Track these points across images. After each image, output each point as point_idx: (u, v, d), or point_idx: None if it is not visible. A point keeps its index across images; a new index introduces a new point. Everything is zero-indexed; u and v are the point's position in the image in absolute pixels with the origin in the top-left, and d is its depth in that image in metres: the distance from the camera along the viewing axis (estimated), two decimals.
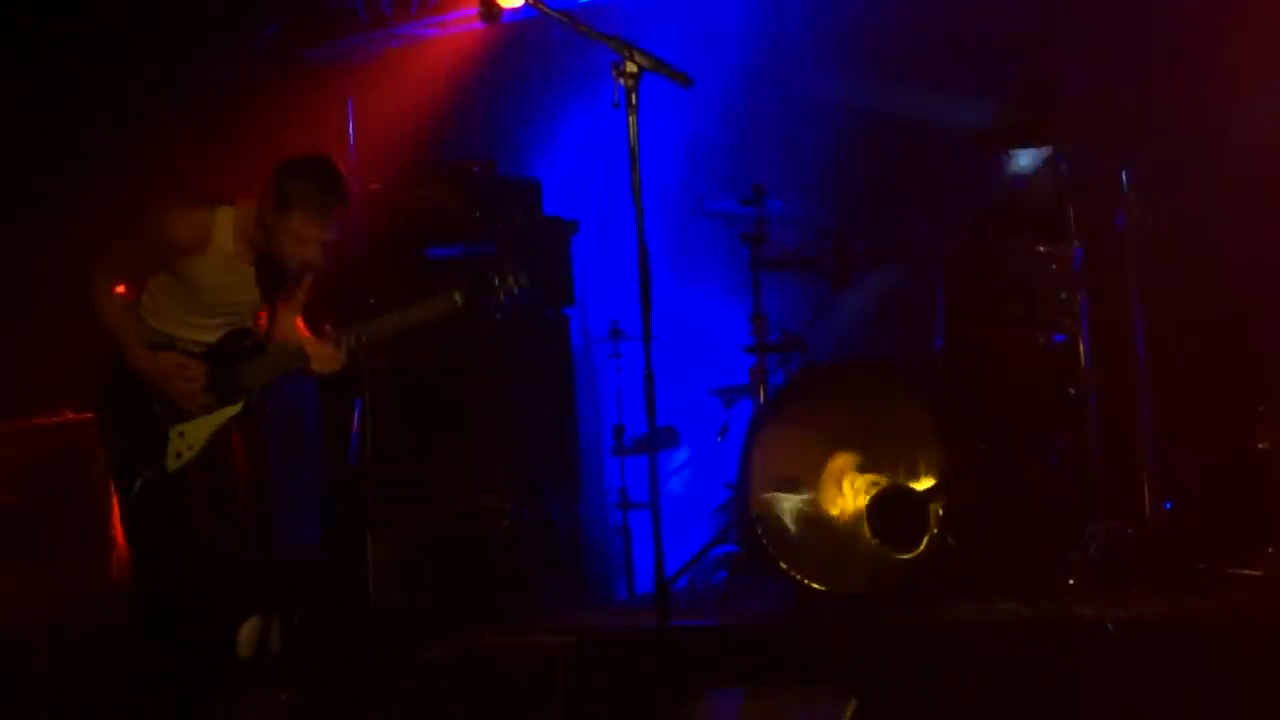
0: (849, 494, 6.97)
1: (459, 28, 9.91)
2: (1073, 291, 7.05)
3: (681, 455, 9.17)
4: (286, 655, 6.85)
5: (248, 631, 6.57)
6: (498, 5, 5.79)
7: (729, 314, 8.88)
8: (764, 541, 7.01)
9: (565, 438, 8.75)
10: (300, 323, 6.34)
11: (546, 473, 8.43)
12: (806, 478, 7.05)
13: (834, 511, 6.99)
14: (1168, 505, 7.07)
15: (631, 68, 5.36)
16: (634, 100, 5.36)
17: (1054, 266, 7.17)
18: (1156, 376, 7.18)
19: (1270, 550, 6.61)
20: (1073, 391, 7.02)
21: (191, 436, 5.98)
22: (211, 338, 6.06)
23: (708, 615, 7.13)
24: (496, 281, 6.29)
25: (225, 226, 5.93)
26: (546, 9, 5.73)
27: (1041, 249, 7.23)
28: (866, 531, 6.93)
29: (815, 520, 7.00)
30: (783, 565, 6.97)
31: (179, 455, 5.96)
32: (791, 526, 7.03)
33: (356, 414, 8.31)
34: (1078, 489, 7.10)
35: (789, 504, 7.05)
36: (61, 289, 6.86)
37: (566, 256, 8.80)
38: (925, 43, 8.88)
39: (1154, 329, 7.19)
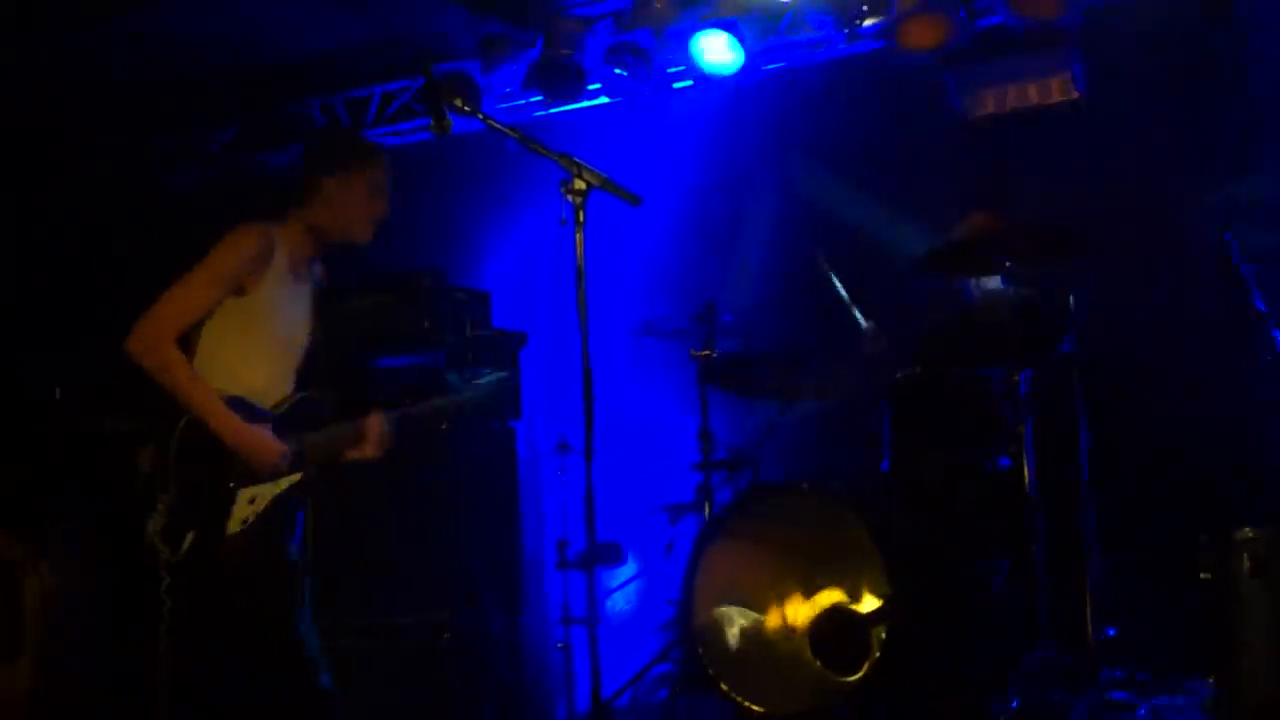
0: (791, 615, 6.95)
1: (414, 136, 10.00)
2: (1019, 415, 7.06)
3: (627, 571, 9.14)
4: None
5: None
6: (449, 120, 5.82)
7: (678, 430, 8.89)
8: (705, 661, 6.99)
9: (509, 551, 8.71)
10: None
11: (489, 586, 8.38)
12: (749, 597, 7.04)
13: (776, 632, 6.96)
14: (1110, 632, 7.07)
15: (580, 185, 5.39)
16: (581, 218, 5.38)
17: (1001, 390, 7.19)
18: (1101, 502, 7.20)
19: (1211, 679, 6.59)
20: (1017, 516, 7.01)
21: (258, 503, 5.68)
22: (274, 389, 5.80)
23: None
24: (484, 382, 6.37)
25: (280, 240, 5.79)
26: (497, 124, 5.75)
27: (988, 372, 7.27)
28: (808, 653, 6.89)
29: (757, 640, 6.98)
30: (723, 686, 6.94)
31: (244, 521, 5.63)
32: (733, 646, 7.01)
33: (299, 521, 8.27)
34: (1021, 614, 7.08)
35: (731, 623, 7.03)
36: None
37: (515, 369, 8.81)
38: (876, 165, 8.98)
39: (1099, 454, 7.22)
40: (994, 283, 7.61)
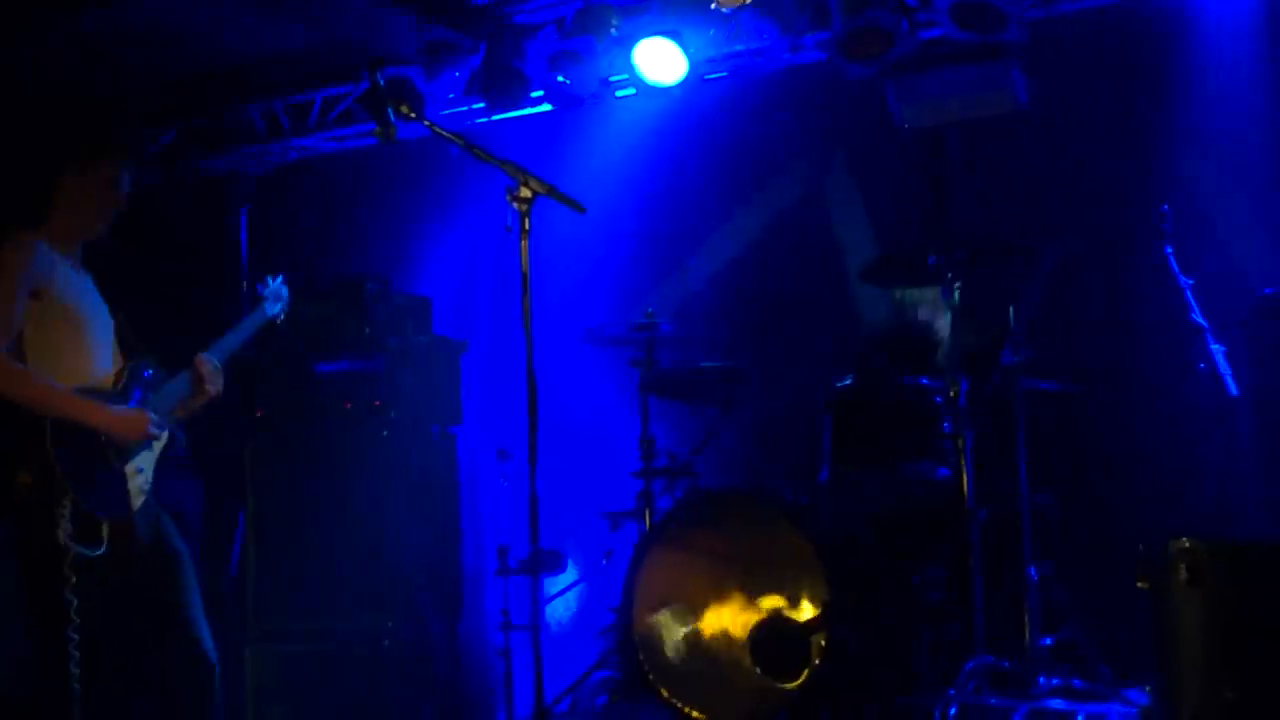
0: (731, 622, 6.97)
1: (356, 142, 9.95)
2: (958, 426, 7.09)
3: (568, 578, 9.13)
4: None
5: None
6: (394, 125, 5.82)
7: (619, 437, 8.89)
8: (645, 667, 7.01)
9: (449, 557, 8.72)
10: None
11: (430, 591, 8.38)
12: (690, 604, 7.06)
13: (716, 639, 6.99)
14: (1048, 641, 7.11)
15: (525, 193, 5.42)
16: (527, 225, 5.41)
17: (940, 400, 7.23)
18: (1039, 512, 7.24)
19: (1148, 688, 6.64)
20: (956, 526, 7.04)
21: (147, 471, 5.82)
22: (106, 371, 5.89)
23: None
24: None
25: (50, 240, 5.89)
26: (442, 131, 5.77)
27: (928, 383, 7.30)
28: (748, 660, 6.92)
29: (697, 647, 7.00)
30: (663, 692, 6.97)
31: (141, 491, 5.76)
32: (673, 652, 7.03)
33: (240, 523, 8.25)
34: (959, 623, 7.12)
35: (671, 630, 7.05)
36: None
37: (456, 375, 8.81)
38: (819, 175, 9.03)
39: (1038, 464, 7.26)
40: (934, 293, 7.62)
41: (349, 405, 8.42)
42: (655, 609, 7.10)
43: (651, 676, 6.99)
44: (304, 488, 8.21)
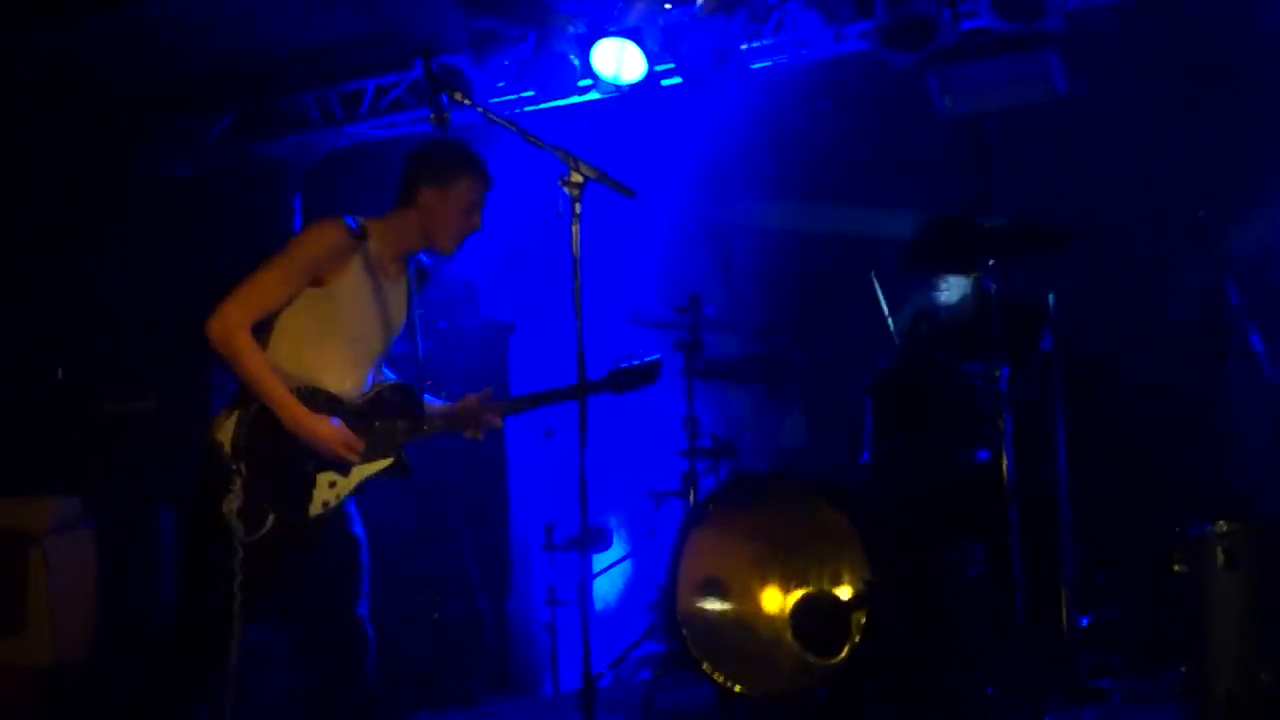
0: (773, 599, 7.07)
1: (408, 129, 10.05)
2: (998, 410, 7.16)
3: (612, 554, 9.25)
4: None
5: None
6: (448, 113, 5.91)
7: (664, 418, 8.99)
8: (688, 642, 7.11)
9: (497, 535, 8.83)
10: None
11: (478, 567, 8.50)
12: (732, 581, 7.16)
13: (758, 615, 7.08)
14: (1085, 621, 7.18)
15: (577, 178, 5.49)
16: (578, 209, 5.48)
17: (980, 385, 7.30)
18: (1078, 495, 7.30)
19: (1184, 669, 6.71)
20: (995, 508, 7.11)
21: (341, 486, 5.75)
22: (347, 381, 5.85)
23: (630, 714, 7.21)
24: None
25: (375, 234, 5.88)
26: (495, 117, 5.85)
27: (968, 367, 7.38)
28: (789, 636, 7.01)
29: (739, 623, 7.10)
30: (705, 666, 7.07)
31: (325, 504, 5.70)
32: (715, 628, 7.13)
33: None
34: (998, 602, 7.19)
35: (714, 606, 7.15)
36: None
37: (503, 357, 8.92)
38: (861, 163, 9.10)
39: (1077, 448, 7.32)
40: (975, 278, 7.70)
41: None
42: (699, 586, 7.20)
43: (695, 651, 7.09)
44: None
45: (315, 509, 5.69)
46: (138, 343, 9.16)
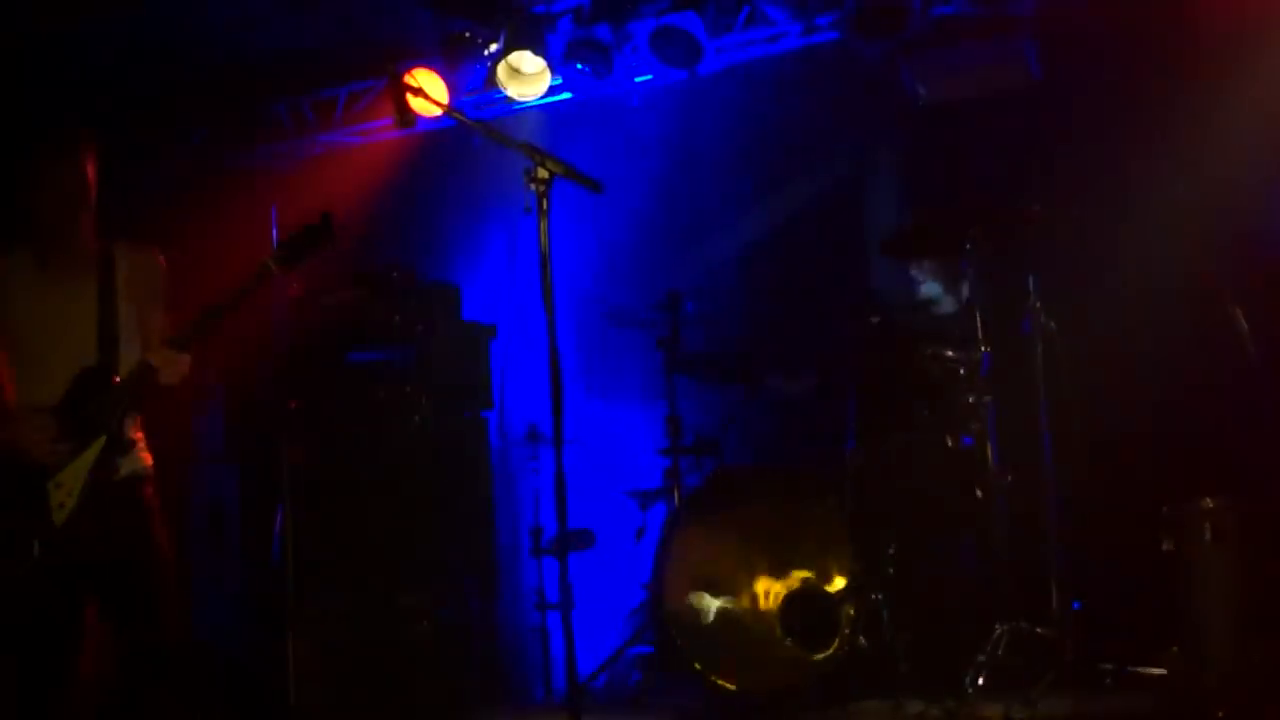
0: (761, 595, 7.06)
1: (381, 135, 10.06)
2: (980, 395, 7.15)
3: (599, 556, 9.22)
4: None
5: None
6: (413, 112, 5.90)
7: (645, 417, 8.98)
8: (677, 642, 7.09)
9: (484, 538, 8.81)
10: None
11: (466, 572, 8.48)
12: (720, 579, 7.14)
13: (747, 612, 7.07)
14: (1075, 605, 7.15)
15: (543, 174, 5.48)
16: (545, 205, 5.47)
17: (962, 371, 7.27)
18: (1063, 478, 7.28)
19: (1174, 649, 6.69)
20: (980, 494, 7.09)
21: (69, 484, 5.80)
22: (54, 389, 5.88)
23: (621, 715, 7.18)
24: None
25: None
26: (461, 116, 5.88)
27: (950, 354, 7.35)
28: (779, 632, 7.01)
29: (728, 620, 7.09)
30: (696, 665, 7.06)
31: (62, 506, 5.77)
32: (705, 627, 7.11)
33: (279, 511, 8.34)
34: (986, 589, 7.17)
35: (702, 605, 7.13)
36: None
37: (485, 360, 8.90)
38: (835, 153, 9.09)
39: (1060, 432, 7.30)
40: (953, 264, 7.68)
41: (381, 393, 8.53)
42: (686, 585, 7.19)
43: (684, 650, 7.07)
44: (340, 475, 8.31)
45: (57, 515, 5.77)
46: None
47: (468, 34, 9.26)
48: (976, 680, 6.68)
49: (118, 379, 5.95)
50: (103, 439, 5.88)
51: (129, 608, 5.86)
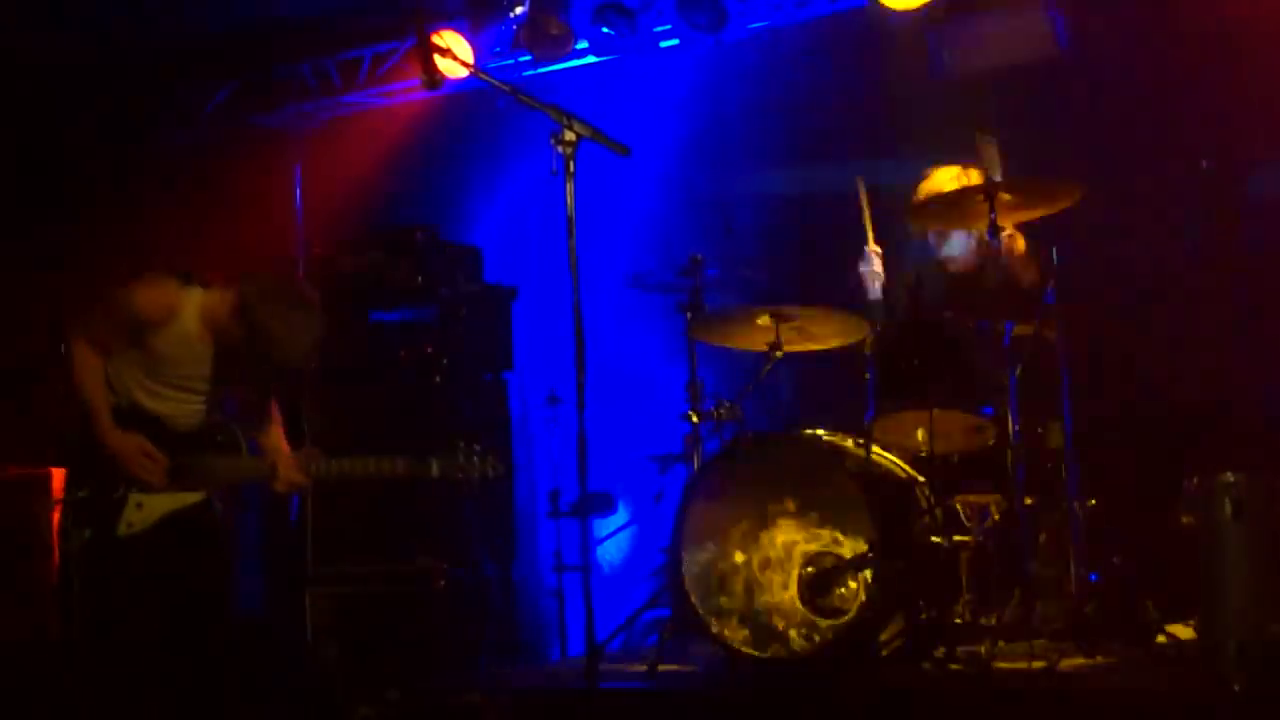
0: (779, 560, 7.05)
1: (405, 97, 10.06)
2: (1001, 365, 7.12)
3: (618, 519, 9.24)
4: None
5: None
6: (440, 73, 5.87)
7: (666, 382, 8.97)
8: (695, 606, 7.10)
9: (502, 500, 8.82)
10: (279, 436, 6.42)
11: (483, 534, 8.49)
12: (738, 544, 7.14)
13: (764, 577, 7.06)
14: (1093, 577, 7.15)
15: (570, 136, 5.46)
16: (571, 168, 5.46)
17: (984, 340, 7.25)
18: (1084, 449, 7.27)
19: (1192, 622, 6.70)
20: (1001, 464, 7.08)
21: (148, 510, 5.96)
22: (164, 407, 6.05)
23: (638, 678, 7.18)
24: (476, 461, 6.47)
25: (192, 306, 6.02)
26: (488, 77, 5.84)
27: (972, 323, 7.33)
28: (797, 597, 7.00)
29: (745, 585, 7.08)
30: (713, 629, 7.06)
31: (130, 525, 5.93)
32: (722, 591, 7.11)
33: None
34: (1005, 558, 7.16)
35: (720, 569, 7.13)
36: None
37: (506, 322, 8.92)
38: (859, 121, 9.07)
39: (1081, 401, 7.29)
40: (978, 234, 7.66)
41: (403, 353, 8.54)
42: (704, 549, 7.18)
43: (701, 615, 7.08)
44: (360, 435, 8.32)
45: (122, 529, 5.94)
46: None
47: None
48: (994, 648, 6.68)
49: (242, 453, 6.17)
50: (199, 496, 6.09)
51: (169, 629, 6.01)
